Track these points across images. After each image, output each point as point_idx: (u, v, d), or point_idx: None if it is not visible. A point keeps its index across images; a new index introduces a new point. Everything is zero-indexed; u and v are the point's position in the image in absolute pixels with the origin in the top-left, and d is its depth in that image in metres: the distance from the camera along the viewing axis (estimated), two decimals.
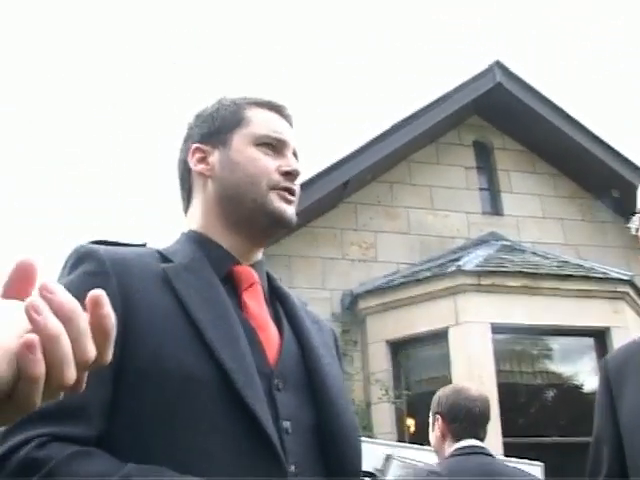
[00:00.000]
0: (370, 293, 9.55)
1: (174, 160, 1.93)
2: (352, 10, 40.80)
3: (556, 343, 9.71)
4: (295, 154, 1.84)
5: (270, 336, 1.64)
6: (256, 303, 1.68)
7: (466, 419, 3.79)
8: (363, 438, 5.19)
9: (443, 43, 43.03)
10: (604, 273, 9.31)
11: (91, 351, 0.82)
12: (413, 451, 5.47)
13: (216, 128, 1.82)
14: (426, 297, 9.05)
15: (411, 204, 10.63)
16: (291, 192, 1.76)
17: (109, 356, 0.86)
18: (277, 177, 1.74)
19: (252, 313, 1.65)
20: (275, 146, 1.78)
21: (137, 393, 1.42)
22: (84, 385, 0.83)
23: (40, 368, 0.75)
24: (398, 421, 9.05)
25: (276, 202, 1.72)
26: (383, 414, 9.06)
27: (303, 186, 7.47)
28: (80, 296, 1.52)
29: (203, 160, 1.81)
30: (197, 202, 1.82)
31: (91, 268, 1.53)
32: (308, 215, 9.63)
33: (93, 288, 1.51)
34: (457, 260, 9.50)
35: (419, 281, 9.20)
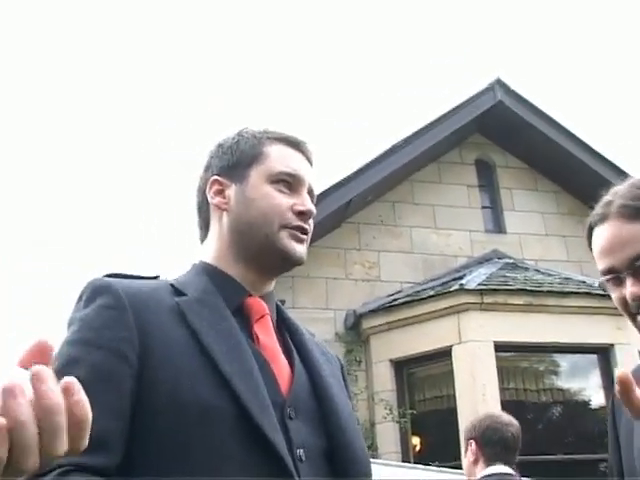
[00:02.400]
0: (373, 312, 9.55)
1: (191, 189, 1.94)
2: (353, 29, 40.93)
3: (560, 360, 9.70)
4: (311, 191, 1.87)
5: (281, 367, 1.65)
6: (266, 335, 1.70)
7: (499, 443, 3.81)
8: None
9: (444, 61, 43.18)
10: None
11: (59, 448, 0.82)
12: (417, 471, 5.47)
13: (235, 162, 1.84)
14: (429, 316, 9.05)
15: (414, 223, 10.65)
16: (303, 231, 1.79)
17: (83, 445, 0.86)
18: (290, 216, 1.76)
19: (263, 345, 1.66)
20: (291, 183, 1.80)
21: (155, 425, 1.43)
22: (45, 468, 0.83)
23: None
24: (402, 440, 9.03)
25: (286, 240, 1.74)
26: (387, 433, 9.05)
27: None
28: (98, 328, 1.52)
29: (220, 193, 1.83)
30: (212, 234, 1.84)
31: (108, 302, 1.54)
32: (311, 235, 9.65)
33: (110, 321, 1.52)
34: (460, 279, 9.51)
35: (422, 300, 9.21)
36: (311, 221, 1.83)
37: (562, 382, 9.72)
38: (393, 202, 10.73)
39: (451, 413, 8.65)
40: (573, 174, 11.05)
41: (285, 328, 1.82)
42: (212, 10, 38.41)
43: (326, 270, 9.99)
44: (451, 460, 7.37)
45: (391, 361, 9.33)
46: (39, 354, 0.85)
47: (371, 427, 9.16)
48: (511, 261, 10.39)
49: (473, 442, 3.87)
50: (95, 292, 1.57)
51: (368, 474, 1.66)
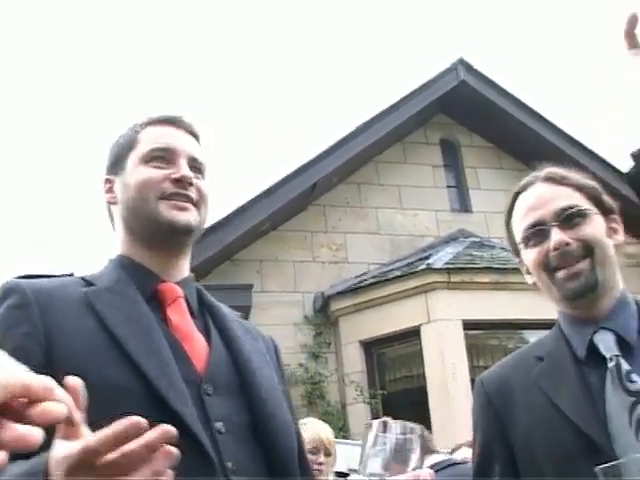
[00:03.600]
0: (341, 294, 9.57)
1: None
2: (316, 13, 40.84)
3: (528, 337, 9.76)
4: (194, 159, 1.86)
5: (196, 346, 1.70)
6: (180, 316, 1.74)
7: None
8: (338, 440, 5.16)
9: (407, 42, 43.19)
10: None
11: None
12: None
13: (116, 157, 1.89)
14: (397, 296, 9.08)
15: (380, 204, 10.66)
16: (183, 198, 1.79)
17: None
18: (165, 185, 1.78)
19: (176, 326, 1.70)
20: (165, 157, 1.82)
21: None
22: None
23: None
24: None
25: (165, 212, 1.76)
26: (359, 414, 9.08)
27: (271, 190, 7.47)
28: (6, 329, 1.57)
29: (110, 190, 1.89)
30: (117, 229, 1.89)
31: (15, 301, 1.60)
32: (277, 219, 9.65)
33: (17, 320, 1.56)
34: (427, 258, 9.54)
35: (390, 281, 9.24)
36: (199, 187, 1.83)
37: None
38: (358, 183, 10.74)
39: (421, 392, 8.70)
40: (537, 152, 11.05)
41: (207, 310, 1.85)
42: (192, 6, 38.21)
43: (293, 253, 9.99)
44: None
45: (360, 342, 9.37)
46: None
47: (342, 408, 9.19)
48: (477, 239, 10.43)
49: None
50: (4, 294, 1.64)
51: (292, 444, 1.70)
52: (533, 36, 41.51)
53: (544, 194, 2.00)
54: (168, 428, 1.10)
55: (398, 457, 1.41)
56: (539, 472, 1.87)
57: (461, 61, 11.01)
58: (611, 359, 1.83)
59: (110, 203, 1.88)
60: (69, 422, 1.03)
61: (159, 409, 1.47)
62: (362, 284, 9.53)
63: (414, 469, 1.45)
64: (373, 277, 9.65)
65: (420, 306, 8.95)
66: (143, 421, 1.09)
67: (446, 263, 9.15)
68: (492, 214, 11.03)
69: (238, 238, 8.99)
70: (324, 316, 9.70)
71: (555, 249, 1.91)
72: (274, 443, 1.64)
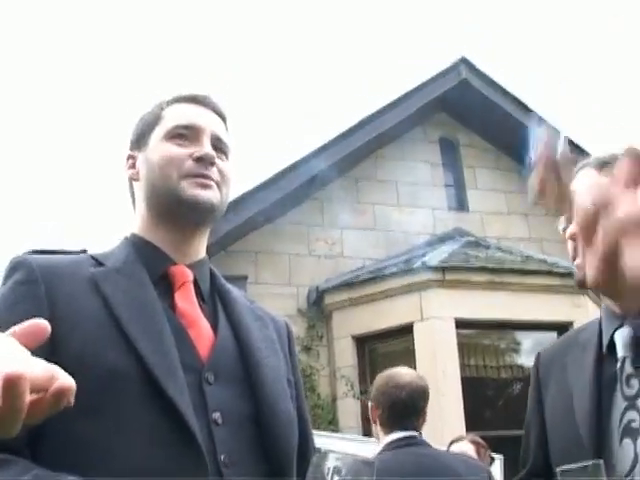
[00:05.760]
0: (336, 289, 9.58)
1: None
2: (316, 10, 40.79)
3: (520, 338, 9.79)
4: (218, 139, 1.85)
5: (201, 332, 1.68)
6: (186, 301, 1.73)
7: (390, 409, 3.53)
8: (324, 432, 5.17)
9: (410, 40, 43.16)
10: (567, 268, 9.37)
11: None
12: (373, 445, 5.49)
13: (139, 133, 1.88)
14: (391, 293, 9.10)
15: (377, 200, 10.67)
16: (205, 177, 1.78)
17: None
18: (188, 164, 1.76)
19: (182, 311, 1.69)
20: (188, 135, 1.81)
21: None
22: None
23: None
24: (363, 416, 9.09)
25: (188, 189, 1.75)
26: (349, 409, 9.11)
27: (269, 182, 7.41)
28: (11, 305, 1.57)
29: (133, 166, 1.88)
30: (136, 206, 1.89)
31: (21, 277, 1.60)
32: (274, 211, 9.65)
33: (22, 296, 1.57)
34: (422, 256, 9.53)
35: (384, 277, 9.25)
36: (221, 168, 1.82)
37: (522, 359, 9.82)
38: (356, 178, 10.74)
39: None
40: None
41: (217, 295, 1.84)
42: None
43: (289, 246, 10.00)
44: None
45: (353, 337, 9.38)
46: (32, 335, 0.98)
47: (332, 402, 9.21)
48: (473, 239, 10.44)
49: (372, 405, 3.66)
50: (12, 269, 1.64)
51: (288, 438, 1.68)
52: (538, 36, 41.51)
53: None
54: None
55: None
56: (554, 449, 1.93)
57: (463, 60, 11.02)
58: (619, 359, 1.81)
59: (132, 179, 1.88)
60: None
61: (155, 396, 1.47)
62: (357, 279, 9.54)
63: None
64: (368, 272, 9.65)
65: (414, 303, 8.96)
66: None
67: (441, 261, 9.15)
68: (488, 214, 11.06)
69: (234, 229, 9.00)
70: (318, 309, 9.71)
71: None
72: (273, 436, 1.63)
